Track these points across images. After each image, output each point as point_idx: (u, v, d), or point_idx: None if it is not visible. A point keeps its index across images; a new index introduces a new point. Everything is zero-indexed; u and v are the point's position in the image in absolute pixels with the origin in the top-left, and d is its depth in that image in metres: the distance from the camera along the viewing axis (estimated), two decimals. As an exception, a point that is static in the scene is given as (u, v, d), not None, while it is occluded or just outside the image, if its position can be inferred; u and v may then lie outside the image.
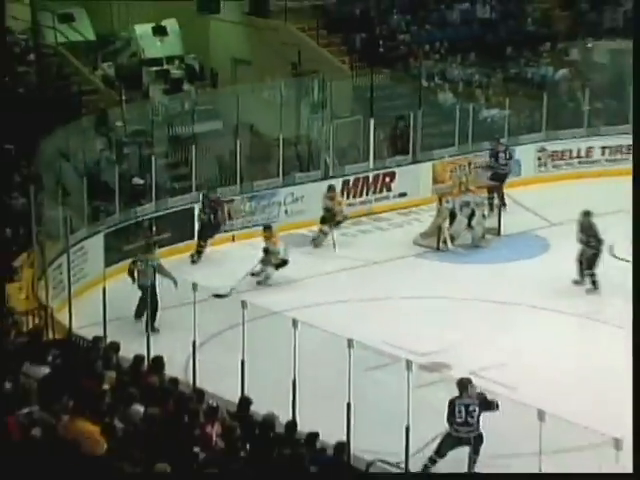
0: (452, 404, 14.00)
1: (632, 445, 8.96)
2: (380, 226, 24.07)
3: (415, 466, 13.42)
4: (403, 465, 13.36)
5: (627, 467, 10.95)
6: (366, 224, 23.91)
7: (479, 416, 13.96)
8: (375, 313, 19.00)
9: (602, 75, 28.38)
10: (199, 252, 21.51)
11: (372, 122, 24.95)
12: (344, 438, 13.26)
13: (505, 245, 22.40)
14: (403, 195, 24.92)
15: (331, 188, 22.81)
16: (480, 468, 13.63)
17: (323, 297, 19.70)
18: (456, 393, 13.91)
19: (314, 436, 12.59)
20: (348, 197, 24.25)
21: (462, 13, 29.21)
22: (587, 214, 20.32)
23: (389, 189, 24.91)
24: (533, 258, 21.67)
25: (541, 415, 12.25)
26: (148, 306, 17.35)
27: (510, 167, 24.41)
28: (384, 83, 26.47)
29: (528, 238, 22.41)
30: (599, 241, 20.20)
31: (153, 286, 17.94)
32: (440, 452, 14.13)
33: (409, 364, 13.74)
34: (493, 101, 26.96)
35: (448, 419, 14.06)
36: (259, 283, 20.41)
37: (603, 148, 26.72)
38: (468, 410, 13.98)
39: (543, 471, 12.36)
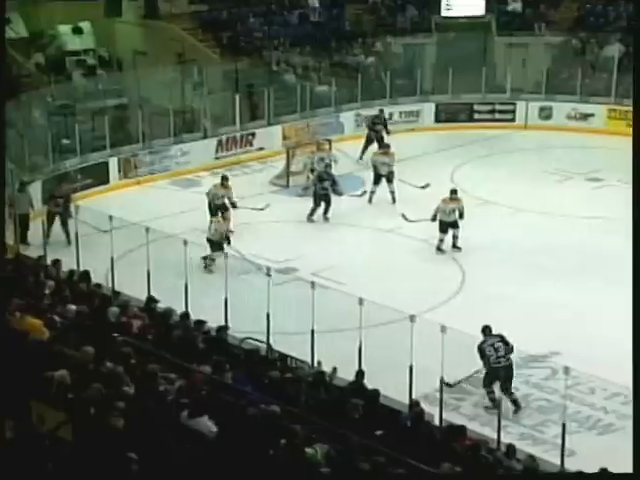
0: (481, 348, 12.99)
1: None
2: (245, 171, 23.98)
3: (277, 344, 13.39)
4: (265, 341, 13.41)
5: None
6: (236, 170, 23.82)
7: (505, 350, 12.93)
8: (244, 234, 18.97)
9: (398, 61, 28.71)
10: None
11: (237, 96, 24.90)
12: (223, 323, 13.29)
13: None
14: (261, 149, 24.86)
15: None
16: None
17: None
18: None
19: (202, 322, 12.59)
20: (222, 151, 24.18)
21: (300, 16, 29.21)
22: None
23: (251, 145, 24.78)
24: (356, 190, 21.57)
25: (360, 301, 12.43)
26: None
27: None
28: (245, 68, 26.25)
29: (351, 177, 22.45)
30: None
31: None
32: (486, 386, 13.12)
33: (269, 269, 13.81)
34: (323, 80, 26.99)
35: (482, 360, 12.99)
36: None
37: (400, 112, 26.94)
38: (495, 347, 13.01)
39: (362, 340, 12.58)
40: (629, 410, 11.10)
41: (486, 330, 13.26)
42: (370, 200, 21.14)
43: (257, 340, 13.30)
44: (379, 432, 9.64)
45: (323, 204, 20.24)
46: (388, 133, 24.00)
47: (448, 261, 18.03)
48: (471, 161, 24.18)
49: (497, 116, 27.30)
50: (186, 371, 10.08)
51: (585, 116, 26.73)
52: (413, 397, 11.70)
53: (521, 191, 21.63)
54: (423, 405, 11.10)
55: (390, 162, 21.10)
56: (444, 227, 18.34)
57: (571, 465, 10.56)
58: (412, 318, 12.02)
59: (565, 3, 29.84)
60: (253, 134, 24.82)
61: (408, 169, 21.72)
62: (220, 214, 18.38)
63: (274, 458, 7.84)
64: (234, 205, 19.27)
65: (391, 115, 26.54)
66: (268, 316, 13.53)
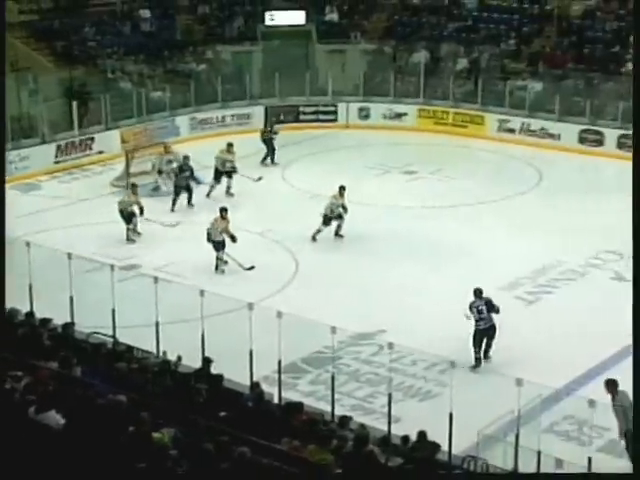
0: (470, 307, 13.75)
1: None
2: (86, 174, 23.39)
3: (124, 337, 13.12)
4: (111, 334, 13.13)
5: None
6: (76, 173, 23.26)
7: (488, 312, 13.62)
8: (90, 234, 18.52)
9: (228, 68, 28.58)
10: None
11: (74, 103, 24.25)
12: (69, 319, 12.92)
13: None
14: (101, 152, 24.28)
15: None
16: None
17: (52, 224, 19.06)
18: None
19: (47, 320, 12.27)
20: (62, 156, 23.43)
21: (132, 27, 28.76)
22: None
23: (91, 148, 24.18)
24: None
25: (202, 292, 12.36)
26: None
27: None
28: (80, 76, 25.62)
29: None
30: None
31: None
32: (475, 345, 13.68)
33: (112, 266, 13.52)
34: (158, 87, 26.63)
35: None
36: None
37: (232, 115, 26.91)
38: (479, 309, 13.69)
39: (205, 329, 12.51)
40: (446, 378, 11.56)
41: (476, 292, 13.92)
42: (208, 195, 21.11)
43: (103, 334, 12.99)
44: (223, 413, 9.61)
45: (185, 193, 20.48)
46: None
47: (281, 251, 18.14)
48: (299, 159, 24.42)
49: (321, 117, 27.68)
50: (32, 368, 9.72)
51: (399, 115, 27.46)
52: (254, 379, 11.72)
53: (345, 185, 21.99)
54: (263, 386, 11.13)
55: (232, 159, 21.27)
56: (328, 220, 18.56)
57: (397, 430, 10.84)
58: (250, 306, 12.08)
59: (376, 14, 30.56)
60: (92, 138, 24.26)
61: (242, 167, 21.72)
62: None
63: (123, 444, 7.69)
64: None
65: (223, 118, 26.59)
66: (113, 311, 13.27)
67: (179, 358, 11.76)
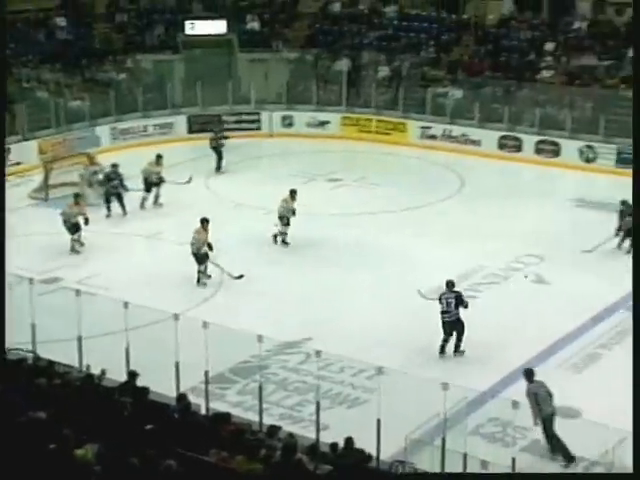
0: (439, 298, 14.29)
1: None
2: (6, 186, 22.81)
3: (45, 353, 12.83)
4: (32, 350, 12.85)
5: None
6: (-7, 186, 22.68)
7: (455, 306, 14.08)
8: (8, 247, 17.94)
9: (148, 77, 28.38)
10: None
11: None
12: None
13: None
14: (18, 164, 23.74)
15: None
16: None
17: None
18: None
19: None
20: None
21: (47, 35, 28.32)
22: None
23: (7, 159, 23.22)
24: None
25: (125, 305, 12.19)
26: None
27: None
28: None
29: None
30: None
31: None
32: (445, 334, 14.20)
33: (31, 280, 13.25)
34: (76, 96, 26.23)
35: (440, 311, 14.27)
36: None
37: (154, 125, 26.70)
38: (447, 301, 14.16)
39: (129, 341, 12.33)
40: (373, 384, 11.61)
41: (449, 284, 14.40)
42: (142, 206, 20.98)
43: (23, 350, 12.70)
44: (149, 427, 9.47)
45: (116, 201, 20.41)
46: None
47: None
48: (223, 167, 24.29)
49: (244, 125, 27.63)
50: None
51: (322, 123, 27.58)
52: (180, 391, 11.59)
53: (270, 193, 21.95)
54: (190, 397, 11.02)
55: (160, 171, 21.17)
56: (287, 221, 18.74)
57: (326, 438, 10.84)
58: (176, 317, 11.98)
59: (298, 23, 30.67)
60: (8, 149, 23.62)
61: (167, 177, 21.55)
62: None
63: (44, 462, 7.52)
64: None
65: (145, 128, 26.35)
66: (33, 326, 12.99)
67: (103, 372, 11.54)
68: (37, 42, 27.93)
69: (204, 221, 17.25)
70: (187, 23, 29.12)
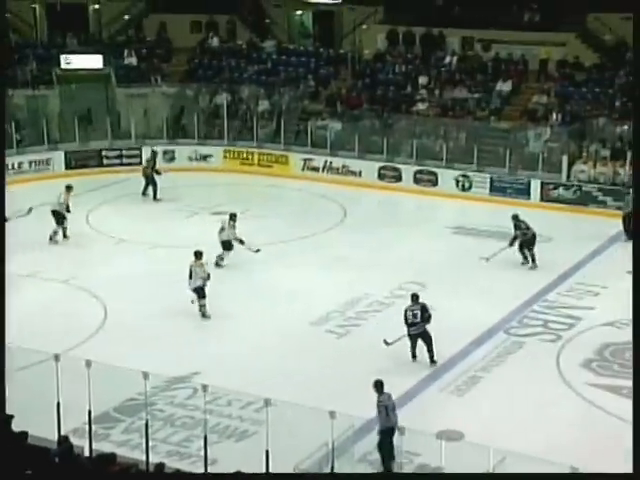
0: (405, 312, 14.80)
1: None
2: None
3: None
4: None
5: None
6: None
7: (421, 317, 14.62)
8: None
9: (22, 113, 27.69)
10: None
11: None
12: None
13: None
14: None
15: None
16: None
17: None
18: None
19: None
20: None
21: None
22: None
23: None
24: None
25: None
26: None
27: None
28: None
29: None
30: None
31: None
32: (412, 347, 14.85)
33: None
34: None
35: (405, 323, 14.73)
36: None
37: (30, 162, 26.10)
38: (414, 313, 14.70)
39: (6, 385, 11.89)
40: (261, 416, 11.55)
41: (413, 297, 15.08)
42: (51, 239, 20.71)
43: None
44: (29, 472, 9.14)
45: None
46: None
47: (88, 298, 17.60)
48: (105, 203, 23.92)
49: (125, 160, 27.29)
50: None
51: (204, 157, 27.52)
52: (62, 433, 11.24)
53: (155, 228, 21.75)
54: (73, 439, 10.70)
55: (66, 200, 21.04)
56: (229, 245, 19.19)
57: (214, 471, 10.71)
58: (57, 357, 11.66)
59: (176, 57, 30.60)
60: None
61: (42, 215, 21.00)
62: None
63: None
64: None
65: (20, 164, 25.69)
66: None
67: (-21, 416, 11.11)
68: None
69: (198, 253, 17.21)
70: (62, 57, 28.67)
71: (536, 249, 19.28)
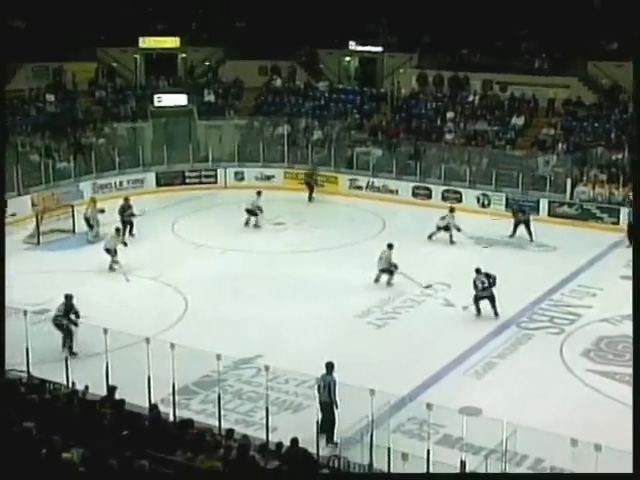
0: (474, 280, 16.03)
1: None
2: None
3: (39, 372, 12.50)
4: (26, 370, 12.53)
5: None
6: (-9, 233, 22.18)
7: (489, 283, 15.92)
8: (5, 285, 17.62)
9: (123, 141, 27.93)
10: None
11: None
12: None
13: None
14: (14, 215, 23.09)
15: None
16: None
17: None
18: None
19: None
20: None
21: (38, 109, 27.91)
22: None
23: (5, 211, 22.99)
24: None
25: (105, 330, 12.01)
26: None
27: None
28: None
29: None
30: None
31: None
32: (477, 307, 16.04)
33: (25, 312, 12.99)
34: (63, 158, 25.86)
35: (474, 288, 15.97)
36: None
37: (128, 180, 26.30)
38: (482, 281, 16.00)
39: (109, 361, 12.11)
40: (313, 392, 11.59)
41: (478, 270, 16.13)
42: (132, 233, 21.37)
43: (19, 371, 12.41)
44: (125, 433, 9.31)
45: (128, 226, 21.16)
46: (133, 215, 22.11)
47: (172, 293, 17.83)
48: (186, 215, 24.19)
49: (203, 180, 27.52)
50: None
51: (268, 177, 27.65)
52: (152, 402, 11.42)
53: (226, 236, 21.94)
54: (160, 407, 10.86)
55: (255, 204, 22.56)
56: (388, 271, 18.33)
57: (274, 438, 10.77)
58: (147, 340, 11.84)
59: (246, 95, 30.85)
60: (6, 202, 23.19)
61: (137, 224, 21.41)
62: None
63: (37, 464, 7.34)
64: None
65: (120, 183, 26.12)
66: (27, 350, 12.68)
67: (86, 388, 11.34)
68: (30, 115, 27.52)
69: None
70: (155, 97, 29.19)
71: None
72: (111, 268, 19.04)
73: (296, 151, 28.11)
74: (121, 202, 22.05)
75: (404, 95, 29.48)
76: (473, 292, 16.18)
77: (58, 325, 14.60)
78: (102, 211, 21.64)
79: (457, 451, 11.01)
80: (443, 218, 21.47)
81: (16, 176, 23.64)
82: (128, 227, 21.47)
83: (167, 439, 9.23)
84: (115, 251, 19.17)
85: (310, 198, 25.66)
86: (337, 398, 11.60)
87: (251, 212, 22.64)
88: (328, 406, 11.62)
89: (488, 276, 16.04)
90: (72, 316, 14.68)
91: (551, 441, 10.00)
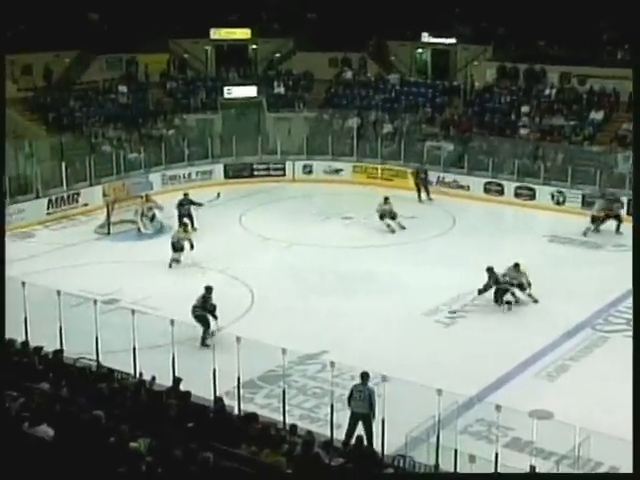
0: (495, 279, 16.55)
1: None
2: (73, 223, 22.97)
3: (106, 362, 12.84)
4: (95, 359, 12.86)
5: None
6: (65, 223, 22.90)
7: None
8: (76, 274, 18.22)
9: (192, 133, 28.34)
10: None
11: (63, 164, 23.88)
12: (59, 346, 12.61)
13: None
14: (86, 205, 23.88)
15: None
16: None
17: (44, 266, 18.58)
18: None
19: (39, 348, 11.93)
20: (53, 208, 23.08)
21: (110, 100, 28.49)
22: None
23: (77, 201, 23.78)
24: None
25: (172, 322, 12.22)
26: None
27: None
28: (70, 141, 25.45)
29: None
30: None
31: None
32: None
33: (95, 301, 13.31)
34: (134, 149, 26.43)
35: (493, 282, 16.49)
36: None
37: (197, 172, 26.78)
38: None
39: (175, 353, 12.32)
40: (379, 390, 11.53)
41: (491, 269, 16.55)
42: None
43: (88, 359, 12.75)
44: (190, 424, 9.46)
45: (188, 219, 20.92)
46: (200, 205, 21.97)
47: (239, 285, 18.02)
48: (254, 208, 24.41)
49: (272, 172, 27.73)
50: (27, 389, 9.49)
51: (336, 170, 27.66)
52: (217, 394, 11.57)
53: (293, 229, 22.05)
54: (225, 400, 11.00)
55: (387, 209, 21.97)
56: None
57: (339, 435, 10.76)
58: (213, 333, 11.97)
59: (316, 88, 30.89)
60: (78, 193, 23.93)
61: (205, 216, 21.69)
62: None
63: (105, 452, 7.53)
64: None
65: (189, 174, 26.55)
66: (97, 339, 13.02)
67: (153, 378, 11.57)
68: (103, 106, 28.16)
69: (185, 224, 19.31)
70: (225, 88, 29.52)
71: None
72: (170, 265, 18.77)
73: (365, 145, 28.03)
74: (180, 196, 21.98)
75: (478, 88, 29.02)
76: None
77: (197, 317, 14.68)
78: (157, 208, 21.70)
79: (526, 455, 10.80)
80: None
81: (88, 167, 24.29)
82: (186, 221, 21.26)
83: (232, 432, 9.33)
84: (181, 247, 18.99)
85: (420, 198, 24.78)
86: (376, 409, 11.25)
87: (383, 216, 21.83)
88: (366, 417, 11.26)
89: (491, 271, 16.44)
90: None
91: (627, 448, 9.70)
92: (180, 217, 21.28)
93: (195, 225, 21.32)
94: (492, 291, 16.94)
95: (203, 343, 14.32)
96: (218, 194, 22.06)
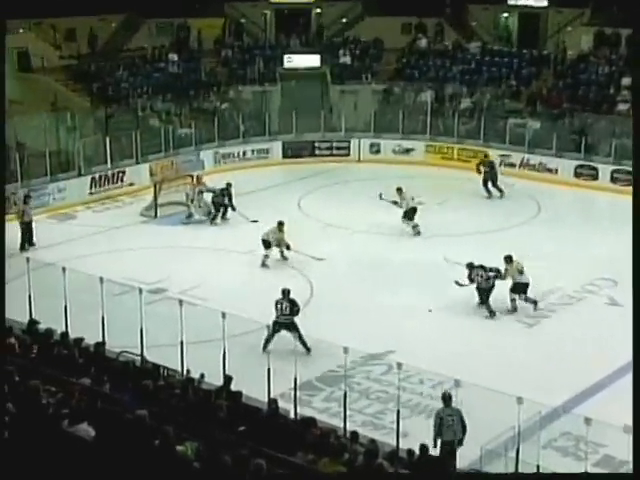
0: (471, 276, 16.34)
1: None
2: (118, 205, 23.46)
3: (151, 356, 13.09)
4: (139, 353, 13.10)
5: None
6: (109, 204, 23.35)
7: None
8: (120, 260, 18.59)
9: (248, 106, 28.71)
10: None
11: (108, 139, 24.29)
12: (100, 338, 12.88)
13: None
14: (132, 184, 24.34)
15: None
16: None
17: (86, 251, 18.96)
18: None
19: (80, 339, 12.18)
20: (96, 187, 23.54)
21: (159, 69, 28.95)
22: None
23: (122, 180, 24.21)
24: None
25: (223, 315, 12.35)
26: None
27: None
28: (115, 114, 25.89)
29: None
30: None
31: None
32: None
33: (140, 290, 13.52)
34: (184, 124, 26.79)
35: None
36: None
37: (253, 150, 26.99)
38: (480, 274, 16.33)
39: (226, 348, 12.46)
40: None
41: (471, 264, 16.36)
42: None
43: (132, 353, 12.98)
44: (242, 428, 9.55)
45: (222, 209, 21.31)
46: (234, 209, 21.77)
47: (297, 276, 18.11)
48: (314, 190, 24.47)
49: (335, 152, 27.75)
50: (66, 384, 9.72)
51: (407, 150, 27.51)
52: (271, 396, 11.66)
53: (357, 215, 22.03)
54: (280, 402, 11.07)
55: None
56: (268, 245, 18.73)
57: (405, 444, 10.74)
58: (268, 327, 12.06)
59: (386, 57, 30.73)
60: (124, 171, 24.35)
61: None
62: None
63: (149, 456, 7.65)
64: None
65: (244, 153, 26.78)
66: (141, 332, 13.24)
67: (202, 376, 11.73)
68: (151, 75, 28.61)
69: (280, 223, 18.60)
70: (285, 57, 29.64)
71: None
72: (263, 264, 18.53)
73: (440, 122, 27.76)
74: (198, 187, 21.93)
75: (571, 57, 28.45)
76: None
77: (287, 325, 14.30)
78: (208, 191, 21.78)
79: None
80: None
81: (135, 143, 24.67)
82: (222, 210, 21.43)
83: (287, 438, 9.38)
84: (270, 245, 18.58)
85: (489, 194, 23.80)
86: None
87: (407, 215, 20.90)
88: (459, 442, 11.16)
89: (483, 268, 16.12)
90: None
91: None
92: (216, 204, 21.45)
93: (227, 216, 21.47)
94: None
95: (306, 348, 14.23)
96: (255, 220, 21.06)
